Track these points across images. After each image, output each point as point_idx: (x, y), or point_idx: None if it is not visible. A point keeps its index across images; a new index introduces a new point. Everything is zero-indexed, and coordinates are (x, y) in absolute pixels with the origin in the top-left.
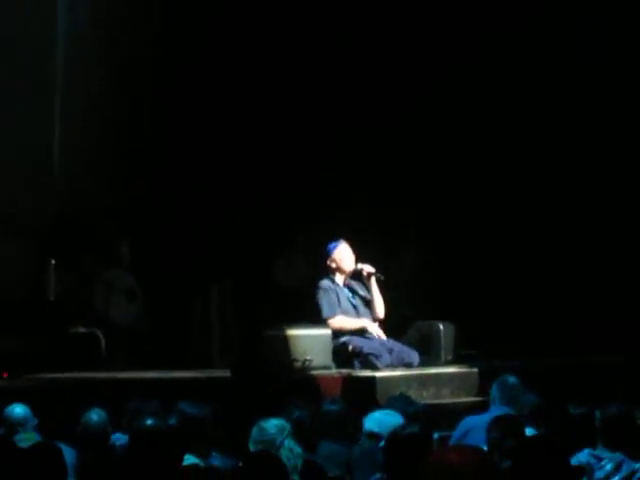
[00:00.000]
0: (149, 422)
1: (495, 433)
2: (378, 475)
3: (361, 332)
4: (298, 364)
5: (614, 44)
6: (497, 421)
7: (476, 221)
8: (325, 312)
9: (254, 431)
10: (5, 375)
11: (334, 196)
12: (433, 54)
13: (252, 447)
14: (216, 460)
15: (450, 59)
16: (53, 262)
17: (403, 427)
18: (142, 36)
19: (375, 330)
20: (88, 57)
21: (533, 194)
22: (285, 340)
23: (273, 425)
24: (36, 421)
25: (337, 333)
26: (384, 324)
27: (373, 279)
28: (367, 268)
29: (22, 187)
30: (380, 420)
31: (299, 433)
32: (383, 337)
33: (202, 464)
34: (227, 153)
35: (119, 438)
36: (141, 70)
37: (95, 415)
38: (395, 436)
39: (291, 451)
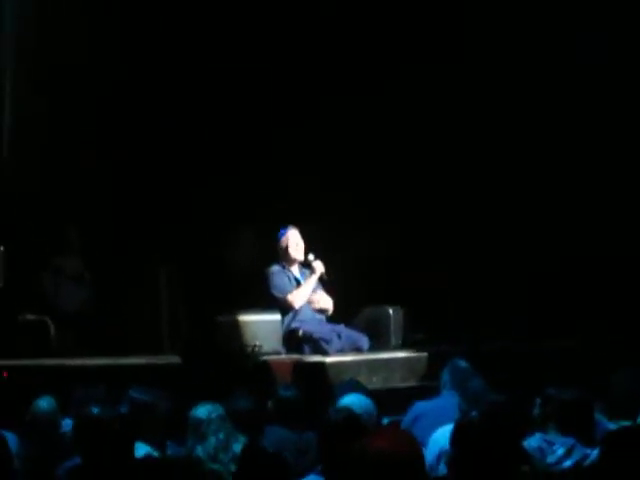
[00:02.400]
0: (95, 410)
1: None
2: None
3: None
4: (248, 349)
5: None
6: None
7: (424, 202)
8: (279, 293)
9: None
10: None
11: (288, 176)
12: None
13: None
14: (170, 449)
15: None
16: (1, 248)
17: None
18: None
19: (320, 268)
20: (35, 36)
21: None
22: (235, 325)
23: (201, 410)
24: None
25: (287, 319)
26: (335, 308)
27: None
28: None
29: None
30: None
31: (245, 422)
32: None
33: (155, 453)
34: (178, 132)
35: (69, 424)
36: (90, 41)
37: (44, 403)
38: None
39: (216, 435)
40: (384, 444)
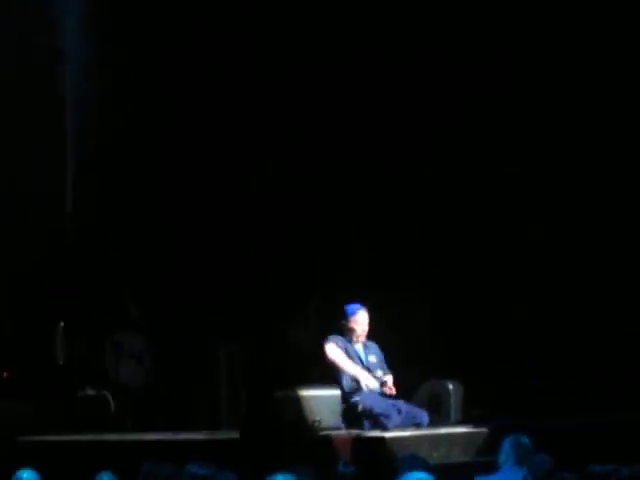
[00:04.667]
0: None
1: None
2: None
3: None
4: (308, 425)
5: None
6: None
7: (481, 279)
8: (326, 342)
9: None
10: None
11: (349, 257)
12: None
13: None
14: None
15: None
16: (62, 325)
17: None
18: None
19: (372, 384)
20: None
21: (541, 250)
22: (294, 401)
23: None
24: None
25: (348, 393)
26: (394, 384)
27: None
28: (388, 379)
29: (31, 249)
30: None
31: None
32: (392, 391)
33: None
34: (239, 210)
35: None
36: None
37: (105, 478)
38: None
39: None
40: None
